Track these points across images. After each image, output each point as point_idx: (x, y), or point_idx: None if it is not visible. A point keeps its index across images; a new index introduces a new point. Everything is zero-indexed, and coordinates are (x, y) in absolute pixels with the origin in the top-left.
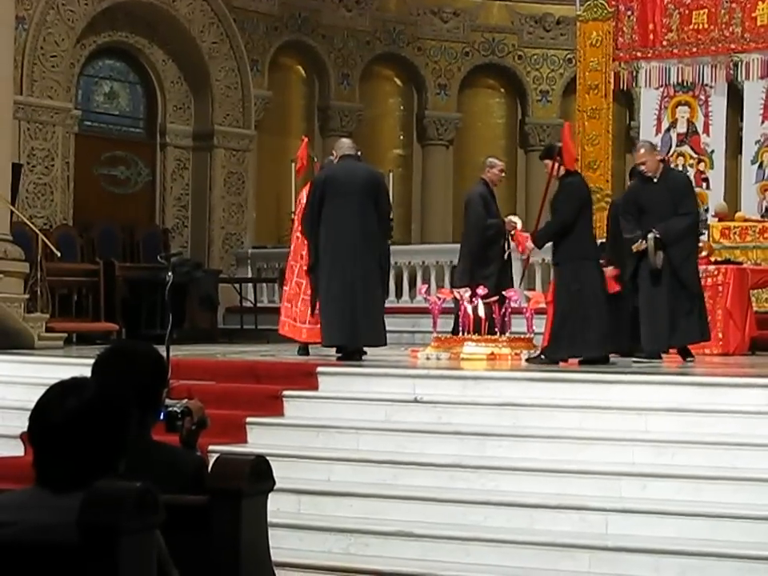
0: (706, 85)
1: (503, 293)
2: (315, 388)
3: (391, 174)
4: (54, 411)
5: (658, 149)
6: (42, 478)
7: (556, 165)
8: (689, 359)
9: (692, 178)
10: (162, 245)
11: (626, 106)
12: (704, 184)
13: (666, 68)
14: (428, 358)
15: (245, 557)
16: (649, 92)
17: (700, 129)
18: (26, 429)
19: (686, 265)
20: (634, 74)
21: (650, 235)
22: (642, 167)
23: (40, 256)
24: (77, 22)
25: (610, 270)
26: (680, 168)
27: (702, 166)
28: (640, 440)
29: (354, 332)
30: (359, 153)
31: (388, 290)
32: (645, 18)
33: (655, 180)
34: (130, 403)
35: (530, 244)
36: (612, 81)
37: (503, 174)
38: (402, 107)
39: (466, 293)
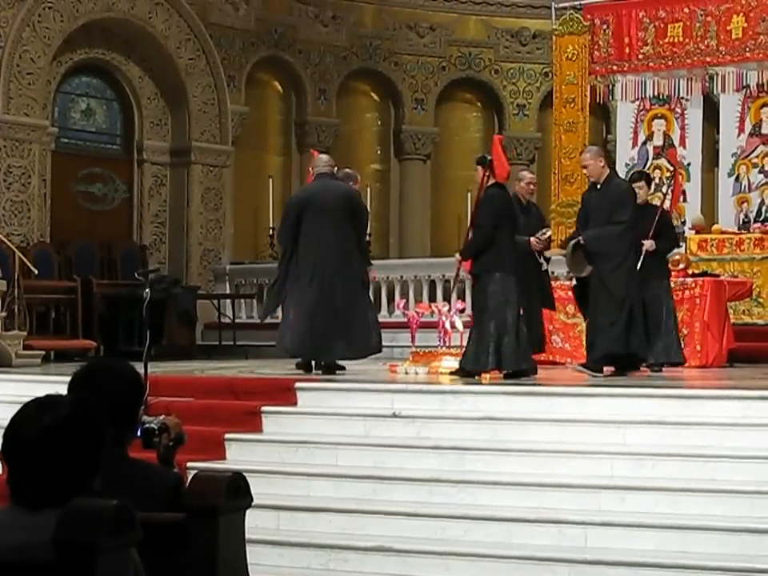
0: (682, 98)
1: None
2: (294, 403)
3: (369, 189)
4: (28, 428)
5: (634, 161)
6: (17, 496)
7: (487, 175)
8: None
9: (668, 191)
10: (140, 261)
11: (603, 119)
12: (681, 197)
13: (641, 81)
14: (406, 373)
15: (222, 574)
16: (625, 105)
17: (676, 141)
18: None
19: (612, 276)
20: (611, 87)
21: (573, 242)
22: (585, 171)
23: (17, 273)
24: (53, 39)
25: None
26: (657, 181)
27: (678, 179)
28: (618, 453)
29: (321, 346)
30: (335, 169)
31: None
32: (620, 31)
33: (599, 186)
34: (105, 421)
35: (457, 255)
36: (588, 94)
37: (533, 187)
38: (379, 122)
39: (444, 307)
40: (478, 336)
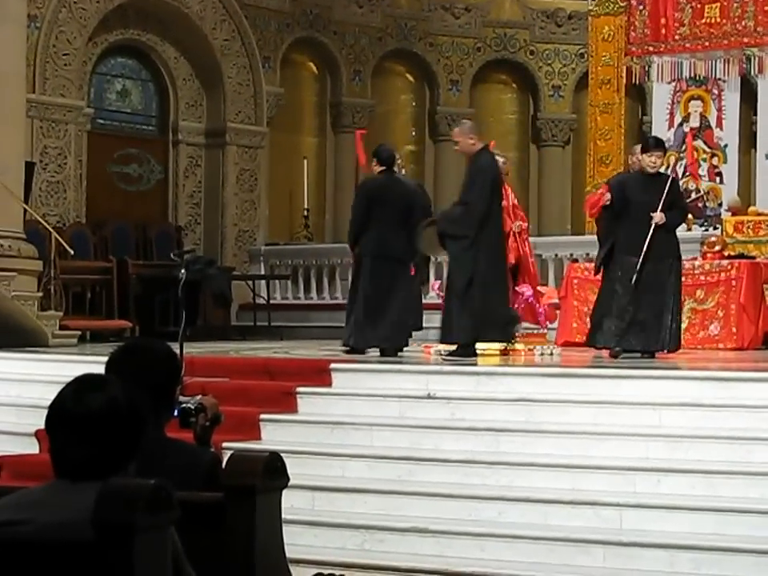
0: (719, 79)
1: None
2: (329, 384)
3: (403, 171)
4: (75, 404)
5: (669, 143)
6: (60, 467)
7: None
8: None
9: (705, 172)
10: (175, 242)
11: (639, 100)
12: (717, 178)
13: (678, 62)
14: (441, 354)
15: (259, 553)
16: (661, 86)
17: (713, 123)
18: (41, 427)
19: (454, 264)
20: (647, 68)
21: (424, 222)
22: (456, 147)
23: (53, 254)
24: (89, 20)
25: None
26: (699, 164)
27: (715, 161)
28: (654, 435)
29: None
30: (399, 161)
31: None
32: (657, 12)
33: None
34: (146, 405)
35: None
36: (624, 75)
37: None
38: (413, 103)
39: None
40: (364, 312)
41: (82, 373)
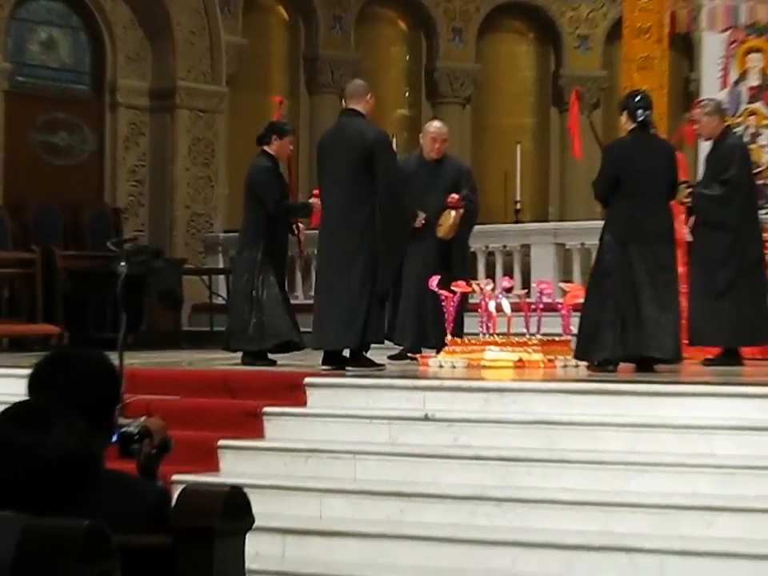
0: None
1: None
2: (303, 403)
3: (394, 140)
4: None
5: (725, 107)
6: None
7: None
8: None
9: None
10: (113, 228)
11: (685, 54)
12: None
13: (733, 7)
14: (441, 366)
15: None
16: (712, 36)
17: None
18: None
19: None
20: (695, 14)
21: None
22: (696, 128)
23: None
24: None
25: None
26: (753, 130)
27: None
28: (703, 465)
29: (334, 334)
30: (369, 97)
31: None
32: None
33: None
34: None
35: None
36: (667, 23)
37: (438, 145)
38: (407, 57)
39: (487, 285)
40: None
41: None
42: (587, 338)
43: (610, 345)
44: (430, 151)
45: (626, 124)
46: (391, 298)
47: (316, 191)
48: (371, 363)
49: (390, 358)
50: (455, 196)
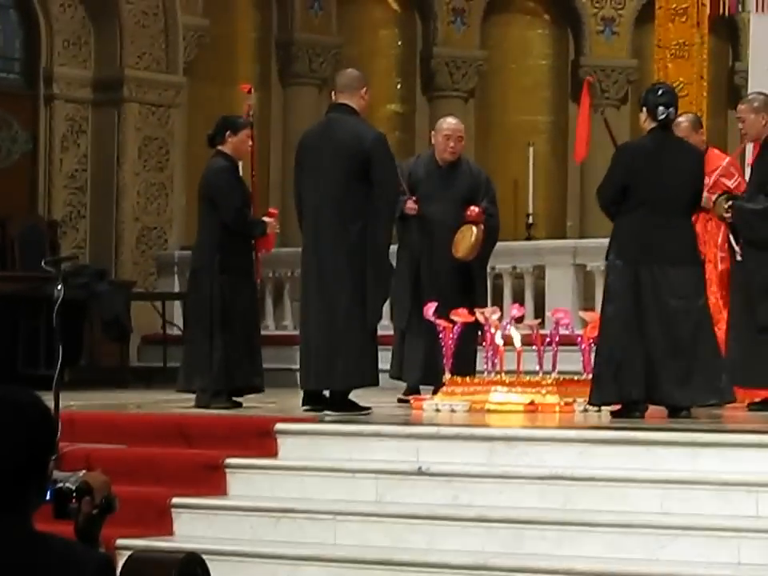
0: None
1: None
2: (273, 454)
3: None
4: None
5: None
6: None
7: None
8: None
9: None
10: (48, 245)
11: (729, 39)
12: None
13: None
14: (438, 410)
15: None
16: (762, 19)
17: None
18: None
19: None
20: None
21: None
22: (741, 126)
23: None
24: None
25: None
26: None
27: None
28: (748, 530)
29: (313, 372)
30: (364, 93)
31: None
32: None
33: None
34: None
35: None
36: (708, 3)
37: (452, 144)
38: (399, 43)
39: (494, 314)
40: None
41: None
42: (601, 379)
43: (629, 384)
44: (444, 151)
45: (645, 123)
46: (402, 332)
47: (273, 210)
48: (355, 407)
49: (401, 400)
50: (475, 209)
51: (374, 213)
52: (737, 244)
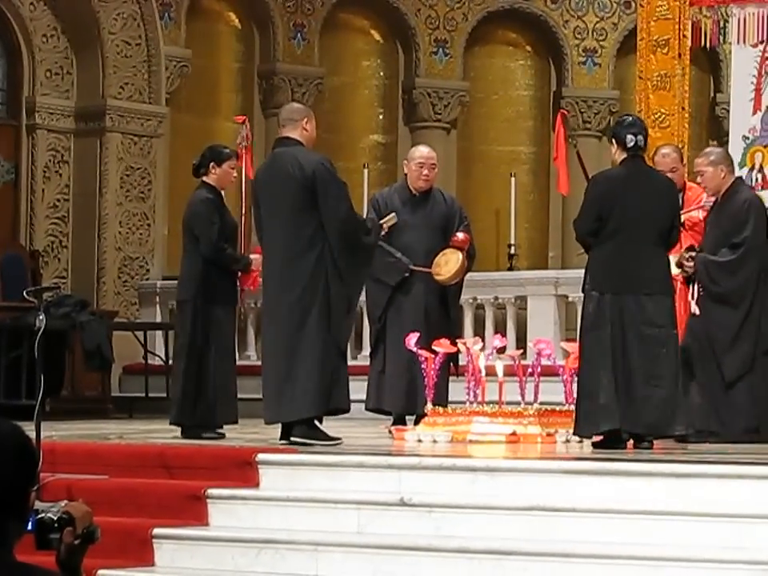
0: None
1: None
2: (255, 485)
3: (366, 170)
4: None
5: (756, 133)
6: None
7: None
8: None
9: None
10: (30, 275)
11: (711, 71)
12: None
13: (767, 15)
14: (420, 440)
15: None
16: (743, 51)
17: None
18: None
19: None
20: (722, 24)
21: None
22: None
23: None
24: None
25: None
26: None
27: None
28: (736, 561)
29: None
30: (305, 124)
31: (361, 342)
32: None
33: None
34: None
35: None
36: (689, 35)
37: (426, 172)
38: (381, 73)
39: (475, 344)
40: None
41: None
42: (583, 409)
43: (605, 416)
44: (417, 179)
45: (616, 154)
46: (378, 361)
47: (258, 248)
48: (323, 436)
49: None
50: (460, 235)
51: (330, 240)
52: (692, 298)
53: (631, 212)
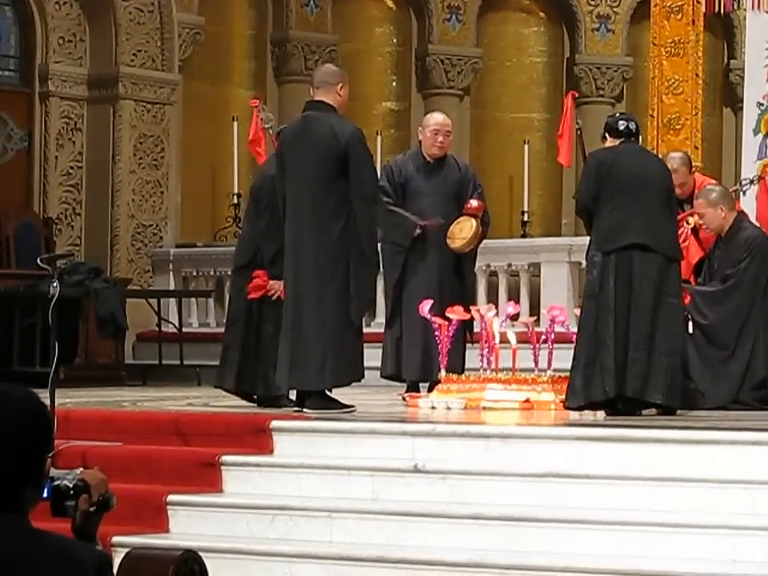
0: None
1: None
2: (269, 452)
3: (379, 138)
4: None
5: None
6: None
7: None
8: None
9: None
10: (44, 242)
11: (724, 37)
12: None
13: None
14: (433, 407)
15: None
16: (758, 17)
17: None
18: None
19: None
20: None
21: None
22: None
23: None
24: None
25: None
26: None
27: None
28: (745, 527)
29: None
30: (340, 89)
31: (374, 310)
32: None
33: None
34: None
35: None
36: (703, 0)
37: (441, 139)
38: (394, 40)
39: (489, 311)
40: None
41: None
42: (576, 381)
43: (601, 384)
44: (432, 146)
45: (611, 143)
46: (395, 329)
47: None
48: (337, 404)
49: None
50: (475, 202)
51: (355, 212)
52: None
53: (630, 171)
